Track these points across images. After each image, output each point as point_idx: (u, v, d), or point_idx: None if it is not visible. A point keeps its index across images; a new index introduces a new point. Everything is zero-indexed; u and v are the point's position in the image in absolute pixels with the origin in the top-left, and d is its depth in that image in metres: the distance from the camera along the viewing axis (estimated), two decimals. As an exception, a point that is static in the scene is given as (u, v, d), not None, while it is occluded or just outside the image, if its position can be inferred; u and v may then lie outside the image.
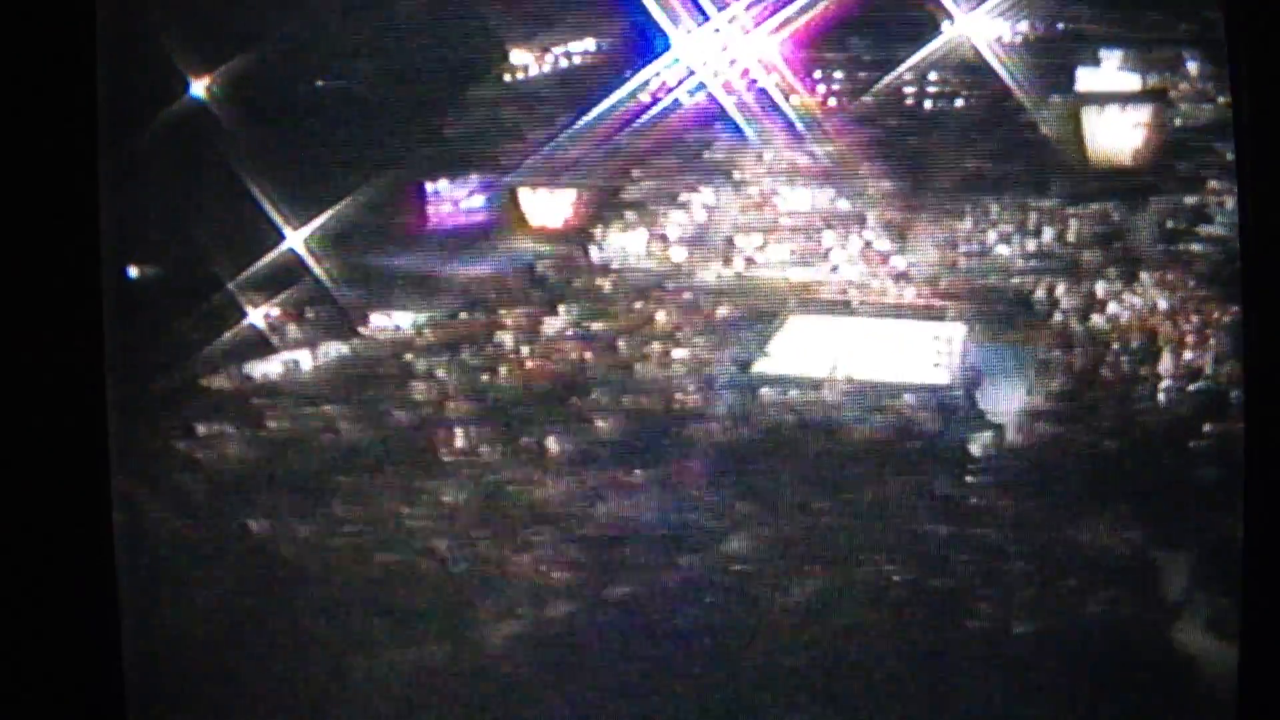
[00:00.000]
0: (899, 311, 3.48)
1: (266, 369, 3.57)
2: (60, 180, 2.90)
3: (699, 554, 3.43)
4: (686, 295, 3.49)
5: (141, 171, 3.22)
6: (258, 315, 3.52)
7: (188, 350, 3.47)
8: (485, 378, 3.55)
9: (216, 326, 3.49)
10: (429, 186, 3.53)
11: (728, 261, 3.52)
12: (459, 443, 3.53)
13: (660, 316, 3.48)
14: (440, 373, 3.55)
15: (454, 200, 3.54)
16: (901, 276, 3.49)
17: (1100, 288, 3.37)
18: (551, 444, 3.50)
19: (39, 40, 2.84)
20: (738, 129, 3.44)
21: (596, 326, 3.50)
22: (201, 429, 3.52)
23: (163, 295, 3.34)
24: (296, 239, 3.49)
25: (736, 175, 3.48)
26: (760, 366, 3.49)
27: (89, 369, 2.94)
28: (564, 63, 3.51)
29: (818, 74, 3.40)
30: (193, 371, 3.51)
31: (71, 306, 2.95)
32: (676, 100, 3.44)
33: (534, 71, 3.52)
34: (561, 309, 3.52)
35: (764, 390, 3.46)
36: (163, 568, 3.32)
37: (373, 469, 3.51)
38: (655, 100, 3.44)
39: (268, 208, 3.47)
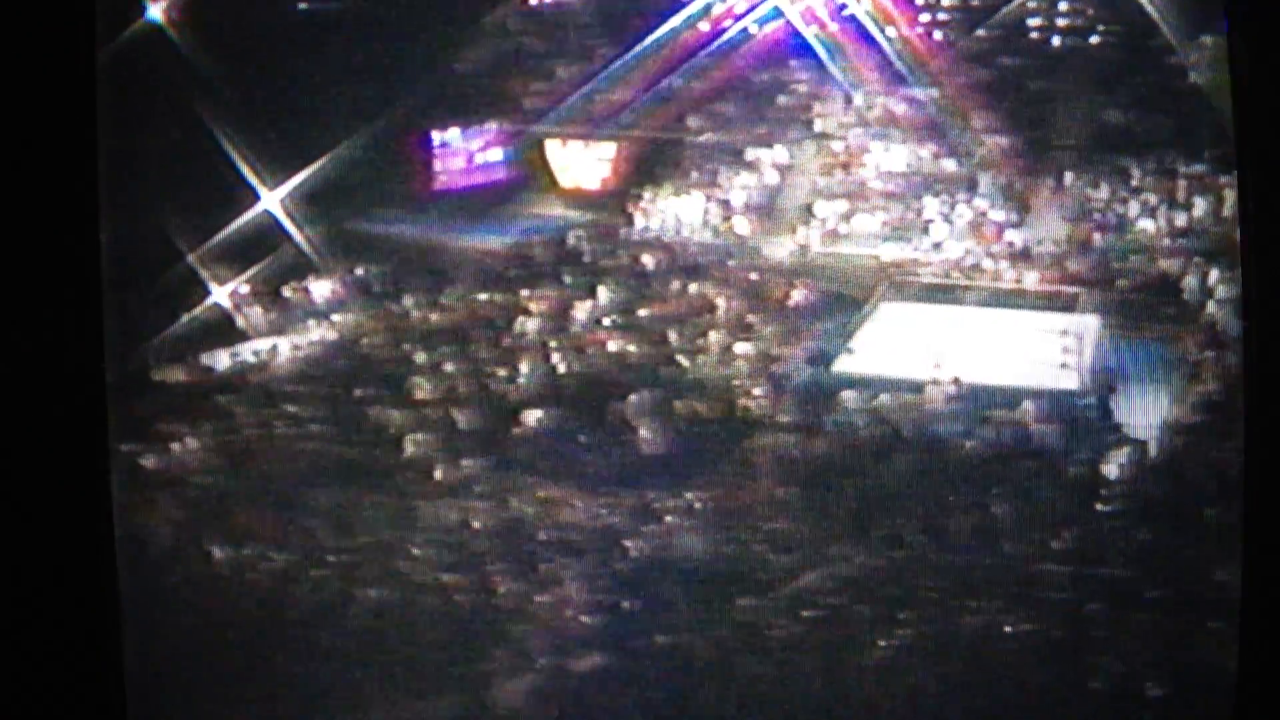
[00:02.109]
0: (1017, 299, 3.27)
1: (228, 361, 3.39)
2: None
3: (763, 596, 3.19)
4: (753, 276, 3.32)
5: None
6: (221, 293, 3.32)
7: (133, 341, 3.30)
8: (503, 374, 3.36)
9: (171, 308, 3.31)
10: (435, 136, 3.37)
11: (804, 235, 3.34)
12: (469, 454, 3.32)
13: (720, 302, 3.31)
14: (448, 367, 3.34)
15: (466, 154, 3.38)
16: (1020, 256, 3.28)
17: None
18: (583, 457, 3.30)
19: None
20: (820, 68, 3.24)
21: (641, 313, 3.33)
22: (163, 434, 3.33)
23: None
24: (272, 199, 3.28)
25: (817, 126, 3.30)
26: (843, 365, 3.28)
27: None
28: (605, -20, 3.46)
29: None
30: (145, 363, 3.33)
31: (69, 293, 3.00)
32: (744, 31, 3.27)
33: (567, -9, 3.46)
34: (600, 291, 3.35)
35: (847, 394, 3.24)
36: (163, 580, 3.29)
37: (362, 484, 3.31)
38: (717, 31, 3.27)
39: (236, 159, 3.26)
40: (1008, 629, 3.10)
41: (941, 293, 3.24)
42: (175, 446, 3.28)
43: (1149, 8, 3.03)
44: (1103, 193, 3.21)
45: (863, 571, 3.14)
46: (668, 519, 3.19)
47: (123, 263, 3.14)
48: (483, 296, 3.33)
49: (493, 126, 3.30)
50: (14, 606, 2.97)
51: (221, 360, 3.32)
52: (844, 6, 3.14)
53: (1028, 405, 3.15)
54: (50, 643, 2.99)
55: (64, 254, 2.98)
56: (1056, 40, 3.15)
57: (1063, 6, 3.12)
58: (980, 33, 3.13)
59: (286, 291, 3.33)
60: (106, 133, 2.98)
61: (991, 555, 3.11)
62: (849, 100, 3.23)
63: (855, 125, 3.24)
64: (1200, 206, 3.15)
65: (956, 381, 3.16)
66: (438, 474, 3.26)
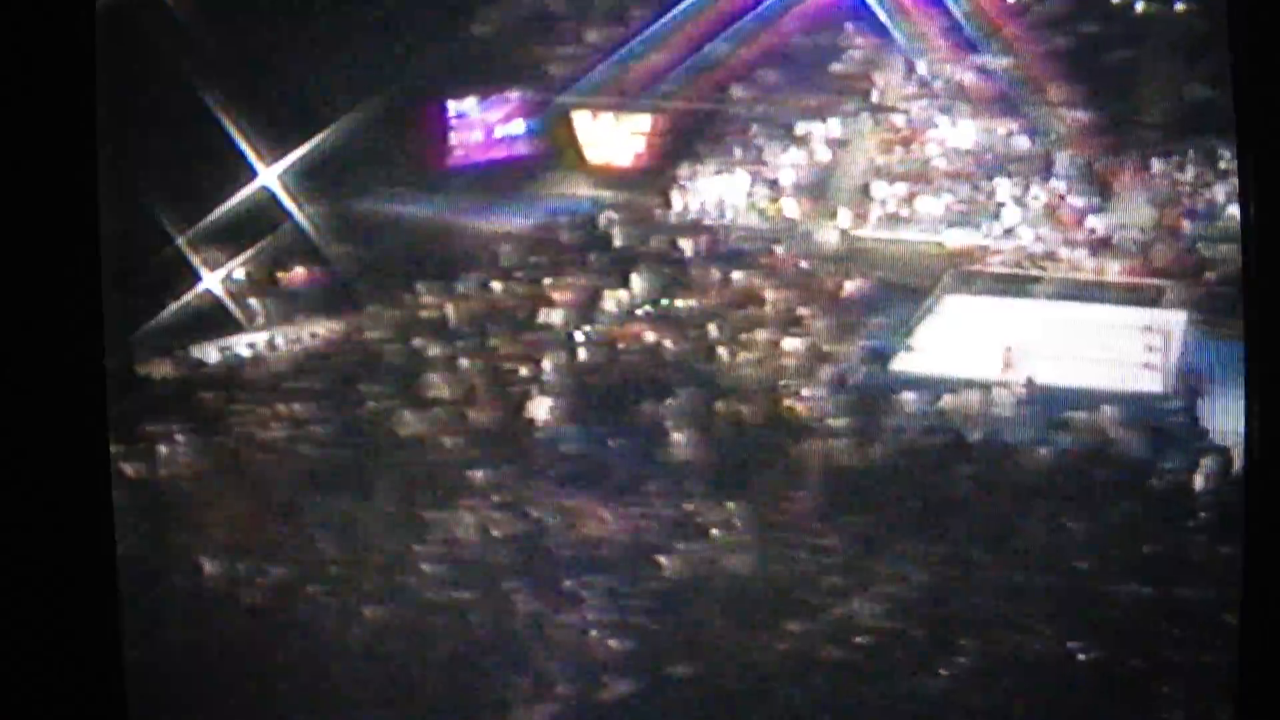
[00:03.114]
0: (1096, 292, 3.16)
1: (219, 355, 3.27)
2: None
3: (811, 619, 3.04)
4: (803, 264, 3.21)
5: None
6: (213, 279, 3.20)
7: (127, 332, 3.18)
8: (524, 372, 3.22)
9: (156, 296, 3.17)
10: (450, 106, 3.27)
11: (860, 218, 3.24)
12: (485, 459, 3.18)
13: (767, 293, 3.19)
14: (463, 364, 3.22)
15: (484, 126, 3.28)
16: (1100, 244, 3.17)
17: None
18: (612, 463, 3.16)
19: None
20: (879, 31, 3.14)
21: (679, 304, 3.21)
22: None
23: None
24: (270, 175, 3.15)
25: (876, 97, 3.21)
26: (902, 363, 3.17)
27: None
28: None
29: (994, -44, 3.24)
30: (129, 356, 3.19)
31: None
32: (796, -13, 3.26)
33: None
34: (633, 279, 3.23)
35: (907, 396, 3.12)
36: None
37: (366, 491, 3.17)
38: (766, -12, 3.27)
39: (230, 129, 3.11)
40: (1081, 657, 2.96)
41: (1012, 284, 3.16)
42: (159, 449, 3.14)
43: (1244, -32, 2.89)
44: (1188, 174, 3.13)
45: (922, 593, 3.00)
46: (706, 533, 3.06)
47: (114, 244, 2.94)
48: (502, 285, 3.26)
49: (514, 96, 3.24)
50: (14, 607, 2.82)
51: (212, 353, 3.23)
52: (908, -38, 3.07)
53: (1107, 410, 3.05)
54: (50, 644, 2.82)
55: (59, 240, 2.80)
56: (1140, 5, 3.07)
57: (1149, -35, 3.01)
58: (1058, -7, 3.04)
59: (284, 278, 3.23)
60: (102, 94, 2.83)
61: (1064, 575, 2.96)
62: (911, 68, 3.17)
63: (918, 96, 3.17)
64: (1298, 190, 3.02)
65: (1029, 383, 3.05)
66: (450, 481, 3.13)
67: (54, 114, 2.83)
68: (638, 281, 3.20)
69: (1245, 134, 2.64)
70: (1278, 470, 2.67)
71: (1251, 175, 2.65)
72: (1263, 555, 2.67)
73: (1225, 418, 3.05)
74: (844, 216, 3.19)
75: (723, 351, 3.15)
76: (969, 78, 3.13)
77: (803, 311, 3.16)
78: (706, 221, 3.23)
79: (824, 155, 3.22)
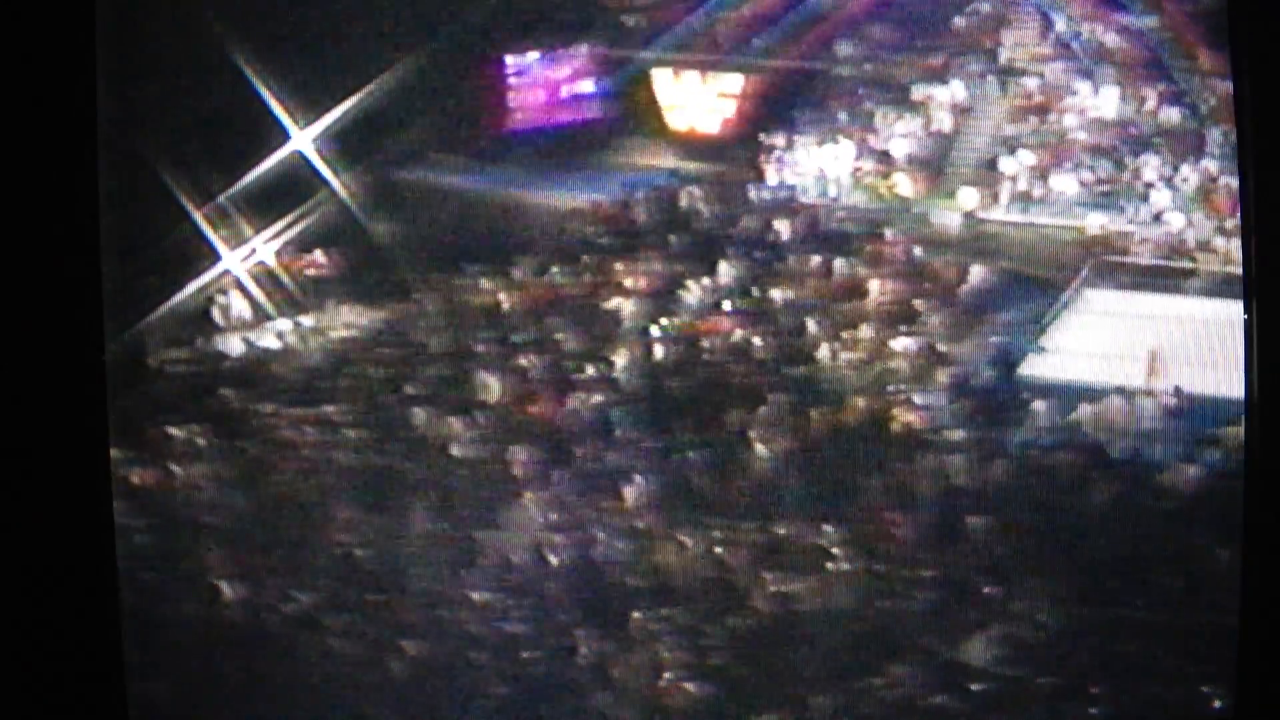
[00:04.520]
0: (1255, 288, 2.84)
1: (243, 346, 3.08)
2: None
3: (922, 663, 2.82)
4: (917, 250, 3.00)
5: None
6: (235, 259, 3.00)
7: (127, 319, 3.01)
8: (591, 371, 3.03)
9: (172, 277, 3.00)
10: (509, 62, 3.08)
11: (985, 198, 3.03)
12: (545, 472, 3.00)
13: (874, 284, 3.00)
14: (520, 361, 3.03)
15: (548, 85, 3.09)
16: None
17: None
18: (691, 480, 2.95)
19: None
20: None
21: (774, 295, 3.01)
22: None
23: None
24: (303, 140, 2.96)
25: (1004, 57, 2.98)
26: (1032, 368, 2.95)
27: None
28: None
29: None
30: (141, 346, 3.03)
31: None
32: (911, -70, 3.15)
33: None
34: (719, 266, 3.03)
35: (1036, 406, 2.89)
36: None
37: (407, 507, 3.00)
38: (877, -70, 3.16)
39: (259, 87, 2.92)
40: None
41: (1160, 278, 2.93)
42: (171, 454, 3.01)
43: None
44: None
45: (1050, 635, 2.80)
46: (799, 562, 2.89)
47: (117, 221, 2.87)
48: (567, 270, 3.09)
49: (583, 51, 3.07)
50: (13, 609, 2.85)
51: (234, 345, 3.10)
52: (1046, -99, 2.96)
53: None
54: (49, 648, 2.85)
55: (51, 209, 2.75)
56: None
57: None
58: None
59: (319, 258, 3.08)
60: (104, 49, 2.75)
61: (1217, 614, 2.69)
62: (1047, 24, 2.96)
63: (1053, 58, 2.96)
64: None
65: (1177, 392, 2.83)
66: (504, 496, 2.99)
67: (47, 62, 2.72)
68: (724, 268, 3.04)
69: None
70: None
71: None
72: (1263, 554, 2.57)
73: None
74: (966, 196, 3.00)
75: (822, 351, 2.97)
76: (1111, 38, 2.91)
77: (916, 305, 2.98)
78: (805, 199, 3.05)
79: (943, 123, 3.03)
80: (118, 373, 3.14)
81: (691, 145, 3.12)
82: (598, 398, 3.07)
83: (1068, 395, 2.95)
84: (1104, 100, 2.99)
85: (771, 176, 3.11)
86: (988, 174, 3.05)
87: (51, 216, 2.84)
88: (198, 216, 3.07)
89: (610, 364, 3.07)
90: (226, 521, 3.13)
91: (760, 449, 2.98)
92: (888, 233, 3.05)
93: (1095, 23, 2.96)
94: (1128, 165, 2.99)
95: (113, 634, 2.99)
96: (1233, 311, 2.95)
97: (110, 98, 2.86)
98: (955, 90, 3.05)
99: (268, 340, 3.16)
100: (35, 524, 2.95)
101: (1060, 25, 2.97)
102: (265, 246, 3.10)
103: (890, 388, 2.99)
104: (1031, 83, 3.01)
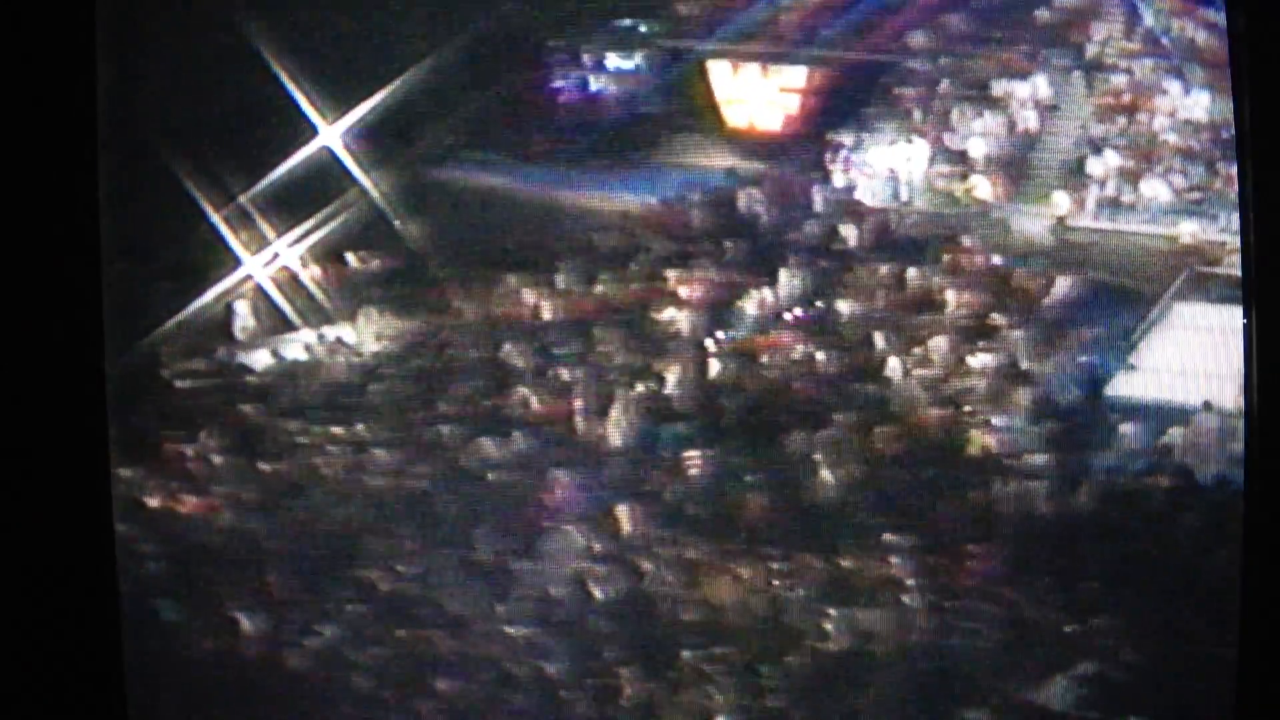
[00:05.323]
0: None
1: (268, 359, 2.95)
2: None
3: (995, 707, 2.69)
4: (996, 258, 2.88)
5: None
6: (257, 265, 2.89)
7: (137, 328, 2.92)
8: (640, 388, 2.90)
9: (187, 284, 2.89)
10: (552, 53, 2.98)
11: (1071, 202, 2.89)
12: (588, 498, 2.88)
13: (950, 295, 2.89)
14: (563, 375, 2.91)
15: (598, 76, 3.00)
16: None
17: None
18: (749, 506, 2.81)
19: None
20: None
21: (840, 307, 2.90)
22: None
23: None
24: (331, 136, 2.85)
25: (1092, 52, 2.85)
26: (1121, 387, 2.81)
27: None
28: None
29: None
30: (154, 358, 2.92)
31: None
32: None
33: None
34: (780, 274, 2.92)
35: (1125, 429, 2.77)
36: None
37: (439, 532, 2.87)
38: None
39: (284, 78, 2.81)
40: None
41: None
42: (186, 474, 2.90)
43: None
44: None
45: (1137, 676, 2.66)
46: (865, 597, 2.78)
47: (124, 221, 2.78)
48: (615, 278, 2.98)
49: (635, 41, 2.98)
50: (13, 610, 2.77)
51: (259, 358, 3.00)
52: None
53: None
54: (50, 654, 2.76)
55: (55, 203, 2.67)
56: None
57: None
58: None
59: (349, 263, 2.98)
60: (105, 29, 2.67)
61: None
62: (1136, 17, 2.84)
63: (1144, 54, 2.84)
64: None
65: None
66: (545, 523, 2.86)
67: (48, 47, 2.65)
68: (785, 277, 2.93)
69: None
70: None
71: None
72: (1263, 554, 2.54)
73: None
74: (1050, 200, 2.89)
75: (892, 368, 2.86)
76: (1204, 36, 2.80)
77: (995, 319, 2.86)
78: (873, 203, 2.95)
79: (1026, 122, 2.92)
80: (125, 384, 3.01)
81: (751, 143, 3.03)
82: (648, 417, 2.95)
83: (1157, 416, 2.81)
84: (1196, 100, 2.86)
85: (838, 178, 3.02)
86: (1073, 177, 2.94)
87: (51, 217, 2.73)
88: (216, 218, 2.95)
89: (661, 380, 2.95)
90: (243, 549, 2.99)
91: (824, 474, 2.87)
92: (964, 240, 2.94)
93: (1187, 18, 2.83)
94: (1221, 171, 2.84)
95: (115, 675, 2.86)
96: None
97: (119, 87, 2.77)
98: (1038, 86, 2.93)
99: (293, 351, 3.06)
100: (32, 549, 2.84)
101: (1149, 19, 2.85)
102: (289, 250, 2.99)
103: (966, 408, 2.87)
104: (1120, 79, 2.90)
